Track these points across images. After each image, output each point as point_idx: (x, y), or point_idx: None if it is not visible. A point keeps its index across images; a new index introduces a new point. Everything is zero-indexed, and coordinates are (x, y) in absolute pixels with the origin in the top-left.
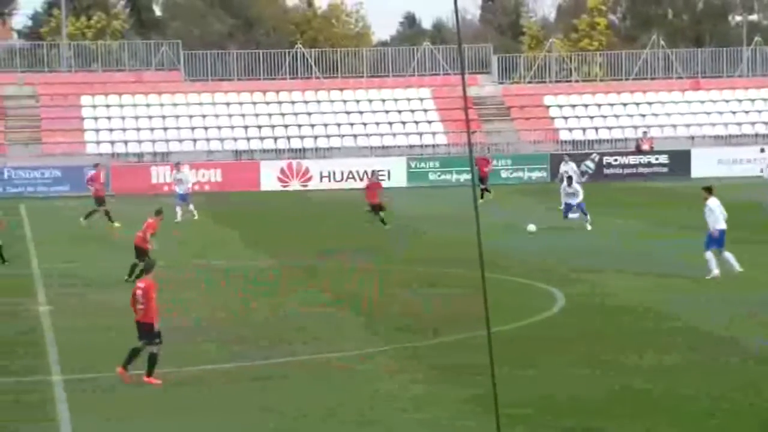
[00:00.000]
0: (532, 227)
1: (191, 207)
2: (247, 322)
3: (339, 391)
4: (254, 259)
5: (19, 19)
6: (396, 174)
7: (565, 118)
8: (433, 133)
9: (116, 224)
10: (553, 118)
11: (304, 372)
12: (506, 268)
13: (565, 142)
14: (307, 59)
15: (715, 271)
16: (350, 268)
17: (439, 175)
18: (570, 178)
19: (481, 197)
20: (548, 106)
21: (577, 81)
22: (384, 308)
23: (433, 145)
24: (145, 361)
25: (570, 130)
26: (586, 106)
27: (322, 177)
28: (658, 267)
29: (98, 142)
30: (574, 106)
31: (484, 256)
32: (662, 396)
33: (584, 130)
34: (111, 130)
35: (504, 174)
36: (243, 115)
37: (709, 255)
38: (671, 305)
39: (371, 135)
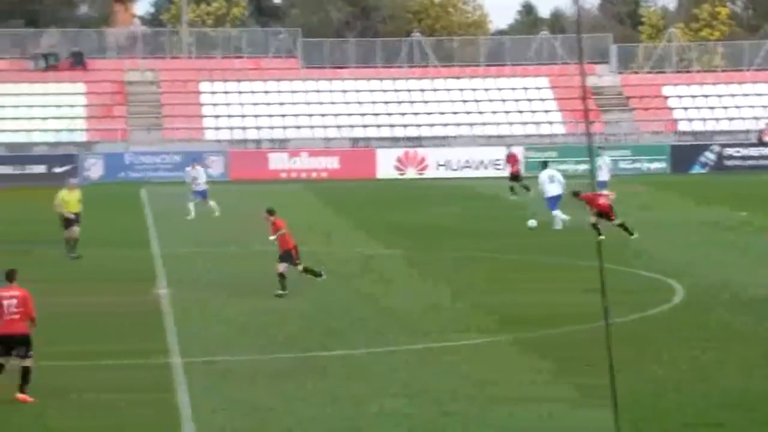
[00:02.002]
0: (533, 222)
1: (211, 203)
2: (351, 313)
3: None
4: (369, 247)
5: (141, 5)
6: (505, 164)
7: (685, 108)
8: (551, 123)
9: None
10: (672, 109)
11: (416, 359)
12: (627, 260)
13: (685, 132)
14: (424, 47)
15: None
16: (466, 256)
17: (557, 165)
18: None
19: (514, 193)
20: (667, 97)
21: (697, 71)
22: (503, 298)
23: (551, 135)
24: (20, 376)
25: (690, 120)
26: (706, 96)
27: (438, 165)
28: None
29: (217, 128)
30: (694, 96)
31: (604, 247)
32: None
33: (704, 120)
34: (229, 116)
35: (623, 165)
36: (360, 103)
37: None
38: None
39: (488, 124)
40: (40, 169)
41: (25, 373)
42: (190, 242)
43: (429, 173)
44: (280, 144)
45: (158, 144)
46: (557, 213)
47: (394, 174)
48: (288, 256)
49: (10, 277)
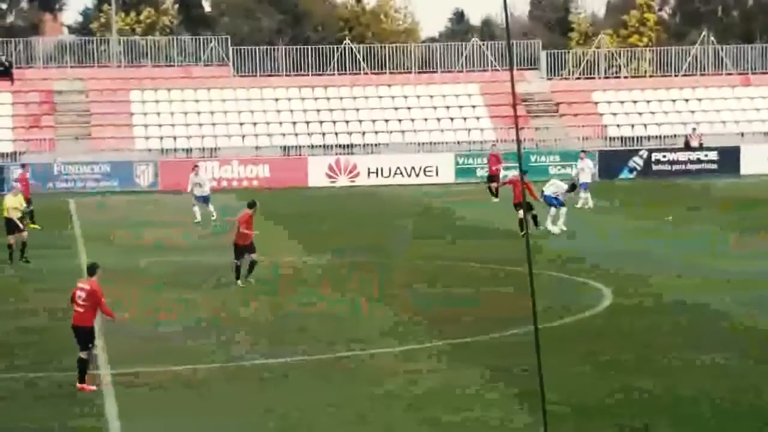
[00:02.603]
0: (554, 228)
1: (211, 208)
2: (272, 319)
3: (383, 387)
4: (299, 255)
5: (70, 15)
6: (444, 170)
7: (614, 114)
8: (481, 129)
9: (36, 226)
10: (601, 114)
11: (345, 368)
12: (550, 264)
13: (614, 138)
14: (356, 55)
15: None
16: (389, 264)
17: (488, 171)
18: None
19: (495, 195)
20: (597, 102)
21: (626, 77)
22: (426, 305)
23: (481, 141)
24: (77, 366)
25: (618, 126)
26: (635, 102)
27: (369, 173)
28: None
29: (147, 137)
30: (622, 102)
31: (541, 254)
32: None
33: (633, 126)
34: (160, 125)
35: (552, 170)
36: (291, 111)
37: None
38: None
39: (419, 131)
40: None
41: (80, 364)
42: (119, 252)
43: (361, 181)
44: (211, 153)
45: (87, 154)
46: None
47: (326, 182)
48: (234, 247)
49: (91, 270)
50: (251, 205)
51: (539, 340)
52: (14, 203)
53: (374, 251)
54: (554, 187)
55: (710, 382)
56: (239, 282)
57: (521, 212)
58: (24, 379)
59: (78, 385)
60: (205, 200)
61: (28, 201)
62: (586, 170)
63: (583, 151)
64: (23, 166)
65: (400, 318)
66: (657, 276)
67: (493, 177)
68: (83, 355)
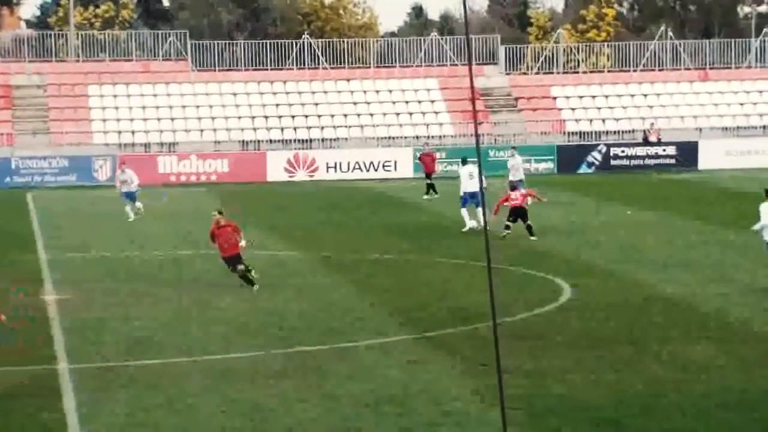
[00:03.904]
0: (473, 223)
1: (138, 204)
2: (256, 313)
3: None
4: (268, 249)
5: (27, 9)
6: (402, 164)
7: (573, 109)
8: (440, 124)
9: None
10: (560, 109)
11: (317, 361)
12: (512, 258)
13: (573, 132)
14: (314, 49)
15: None
16: (354, 259)
17: (446, 166)
18: None
19: (427, 193)
20: (555, 97)
21: (584, 72)
22: (392, 298)
23: (440, 136)
24: None
25: (577, 120)
26: (593, 96)
27: (328, 167)
28: (671, 259)
29: (105, 132)
30: (581, 96)
31: (491, 247)
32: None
33: (591, 120)
34: (118, 119)
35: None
36: (250, 105)
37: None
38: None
39: (378, 125)
40: None
41: None
42: (77, 247)
43: (319, 175)
44: (170, 147)
45: (45, 148)
46: (464, 212)
47: (285, 176)
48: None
49: None
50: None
51: (497, 334)
52: None
53: (338, 245)
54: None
55: (680, 374)
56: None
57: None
58: None
59: None
60: (130, 197)
61: None
62: (519, 168)
63: (513, 147)
64: None
65: (367, 312)
66: (618, 269)
67: (429, 174)
68: None
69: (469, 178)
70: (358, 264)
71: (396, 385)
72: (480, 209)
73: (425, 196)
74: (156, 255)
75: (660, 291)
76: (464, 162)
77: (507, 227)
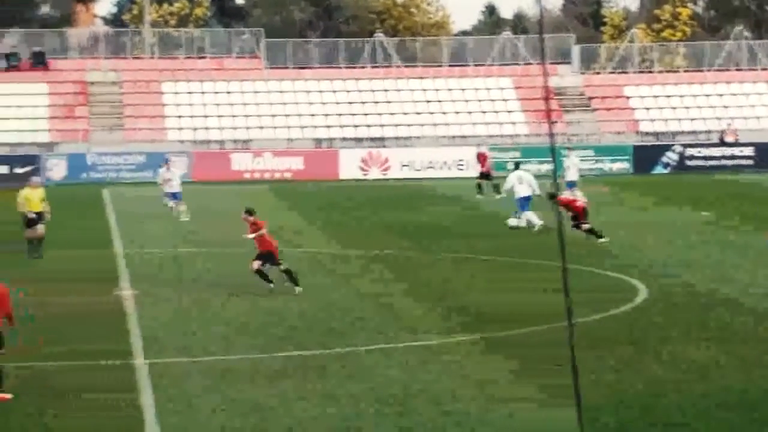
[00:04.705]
0: (513, 221)
1: (182, 207)
2: (316, 311)
3: (417, 381)
4: (328, 247)
5: (103, 6)
6: (476, 164)
7: (647, 108)
8: (513, 123)
9: None
10: (634, 109)
11: (382, 359)
12: (588, 259)
13: (647, 133)
14: (387, 48)
15: None
16: (428, 256)
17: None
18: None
19: (480, 191)
20: (629, 97)
21: (659, 71)
22: (463, 298)
23: (513, 135)
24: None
25: (652, 121)
26: (668, 96)
27: (401, 166)
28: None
29: (179, 129)
30: (656, 96)
31: (569, 247)
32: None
33: (666, 121)
34: (192, 116)
35: (585, 165)
36: (323, 103)
37: None
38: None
39: (451, 124)
40: (2, 169)
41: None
42: (154, 242)
43: (392, 174)
44: (243, 144)
45: (120, 145)
46: (529, 214)
47: (358, 174)
48: (270, 256)
49: None
50: (250, 211)
51: (573, 335)
52: (31, 196)
53: (406, 244)
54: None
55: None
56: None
57: (585, 226)
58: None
59: None
60: (174, 197)
61: None
62: (573, 168)
63: (568, 148)
64: None
65: (432, 311)
66: (690, 272)
67: (485, 175)
68: None
69: (519, 183)
70: (424, 262)
71: (458, 385)
72: (530, 212)
73: (478, 196)
74: (225, 252)
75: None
76: (517, 167)
77: (578, 227)
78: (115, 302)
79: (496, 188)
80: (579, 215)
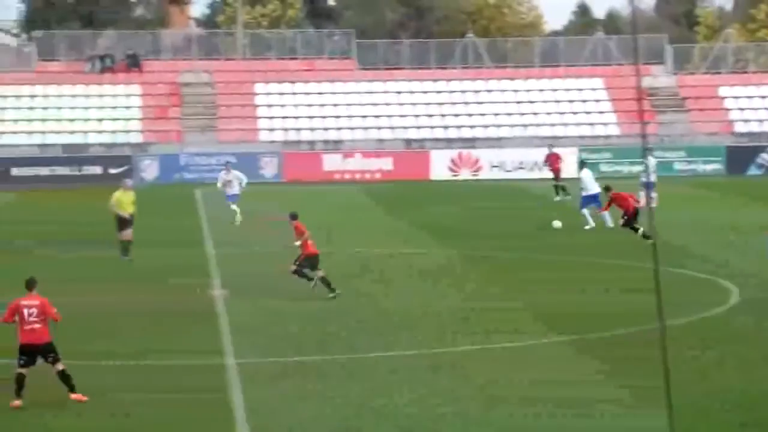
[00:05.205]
0: (557, 224)
1: (237, 211)
2: (415, 312)
3: (511, 382)
4: (422, 247)
5: (197, 7)
6: (566, 164)
7: (741, 109)
8: (605, 124)
9: None
10: (728, 110)
11: (472, 360)
12: (683, 262)
13: (741, 134)
14: (478, 48)
15: None
16: (517, 258)
17: (611, 166)
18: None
19: (557, 194)
20: (723, 98)
21: (754, 72)
22: (554, 299)
23: (605, 136)
24: (62, 380)
25: (746, 121)
26: (762, 97)
27: (492, 167)
28: None
29: (271, 130)
30: (750, 97)
31: (662, 250)
32: None
33: (761, 121)
34: (284, 117)
35: (678, 166)
36: (414, 104)
37: None
38: None
39: (542, 125)
40: (96, 170)
41: (64, 376)
42: (245, 242)
43: (483, 174)
44: (334, 145)
45: (213, 145)
46: (585, 212)
47: (448, 175)
48: (314, 260)
49: (30, 285)
50: (294, 216)
51: (665, 336)
52: (123, 199)
53: (496, 245)
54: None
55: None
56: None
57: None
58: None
59: (73, 395)
60: (232, 199)
61: None
62: (651, 169)
63: (646, 149)
64: None
65: (519, 312)
66: None
67: (556, 175)
68: (61, 366)
69: (591, 181)
70: (512, 262)
71: (545, 386)
72: (605, 212)
73: (556, 198)
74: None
75: None
76: (583, 165)
77: (627, 225)
78: (207, 302)
79: (564, 190)
80: (629, 215)
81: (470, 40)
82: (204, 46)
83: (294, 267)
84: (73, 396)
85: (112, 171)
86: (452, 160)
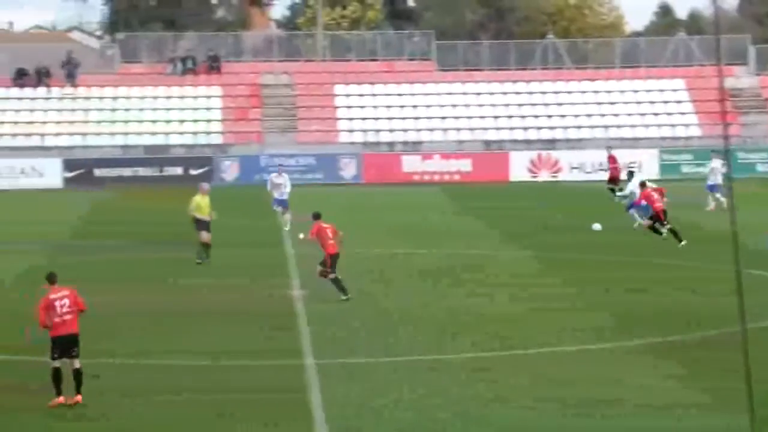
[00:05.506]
0: (597, 226)
1: (287, 216)
2: (488, 313)
3: (586, 383)
4: (502, 249)
5: (277, 9)
6: (648, 166)
7: None
8: (687, 125)
9: None
10: None
11: (554, 361)
12: (764, 263)
13: None
14: (558, 49)
15: None
16: (598, 260)
17: (692, 168)
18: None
19: (614, 193)
20: None
21: None
22: (635, 301)
23: (686, 137)
24: (74, 378)
25: None
26: None
27: (571, 168)
28: None
29: (351, 131)
30: None
31: (742, 252)
32: None
33: None
34: (363, 119)
35: (760, 168)
36: (493, 105)
37: None
38: None
39: (622, 126)
40: (177, 171)
41: (78, 375)
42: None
43: (562, 176)
44: (413, 146)
45: (292, 146)
46: (633, 212)
47: (527, 176)
48: (334, 260)
49: (53, 279)
50: (318, 216)
51: (746, 339)
52: (202, 203)
53: (574, 247)
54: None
55: None
56: (346, 296)
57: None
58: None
59: (78, 398)
60: (282, 204)
61: None
62: (716, 172)
63: (713, 151)
64: None
65: (600, 315)
66: None
67: (614, 178)
68: (78, 364)
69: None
70: (592, 265)
71: (627, 389)
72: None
73: (616, 198)
74: (396, 252)
75: None
76: (631, 175)
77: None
78: (286, 302)
79: (613, 191)
80: (658, 216)
81: (550, 41)
82: (284, 48)
83: (333, 274)
84: (77, 397)
85: (193, 172)
86: (531, 162)
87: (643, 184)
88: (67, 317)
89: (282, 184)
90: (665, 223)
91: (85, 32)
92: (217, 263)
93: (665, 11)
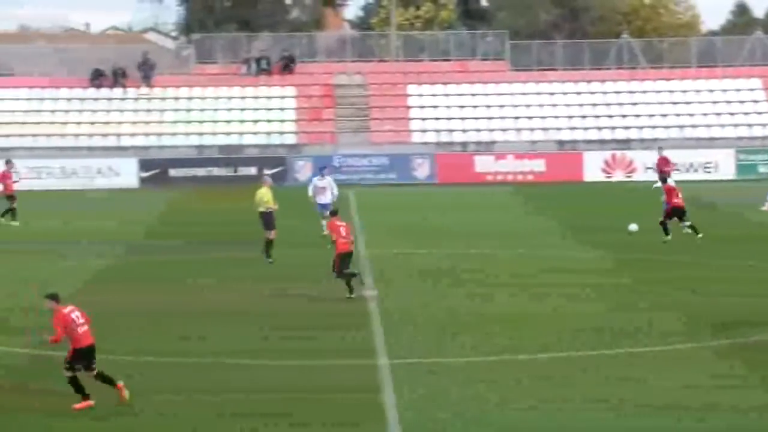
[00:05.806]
0: (633, 227)
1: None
2: (550, 315)
3: (649, 385)
4: (575, 250)
5: (351, 10)
6: (724, 166)
7: None
8: (764, 125)
9: (14, 222)
10: None
11: (618, 363)
12: None
13: None
14: (633, 49)
15: None
16: (664, 260)
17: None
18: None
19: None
20: None
21: None
22: (704, 303)
23: (763, 137)
24: (102, 381)
25: None
26: None
27: (646, 168)
28: None
29: (423, 131)
30: None
31: None
32: None
33: None
34: (436, 119)
35: None
36: (567, 105)
37: None
38: None
39: (698, 126)
40: (251, 171)
41: (102, 375)
42: (397, 243)
43: (637, 176)
44: (486, 147)
45: (365, 146)
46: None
47: (601, 177)
48: (346, 257)
49: (58, 298)
50: (335, 212)
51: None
52: (267, 196)
53: (643, 248)
54: None
55: None
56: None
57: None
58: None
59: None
60: (324, 207)
61: (12, 197)
62: None
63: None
64: (7, 162)
65: (671, 315)
66: None
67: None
68: (76, 375)
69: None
70: (665, 266)
71: (699, 391)
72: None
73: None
74: (469, 252)
75: None
76: (664, 181)
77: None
78: (359, 302)
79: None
80: (677, 211)
81: (625, 40)
82: (358, 48)
83: (346, 271)
84: (123, 391)
85: (267, 172)
86: (606, 162)
87: (664, 180)
88: (85, 328)
89: (326, 188)
90: (683, 219)
91: (160, 33)
92: (288, 261)
93: (742, 10)
